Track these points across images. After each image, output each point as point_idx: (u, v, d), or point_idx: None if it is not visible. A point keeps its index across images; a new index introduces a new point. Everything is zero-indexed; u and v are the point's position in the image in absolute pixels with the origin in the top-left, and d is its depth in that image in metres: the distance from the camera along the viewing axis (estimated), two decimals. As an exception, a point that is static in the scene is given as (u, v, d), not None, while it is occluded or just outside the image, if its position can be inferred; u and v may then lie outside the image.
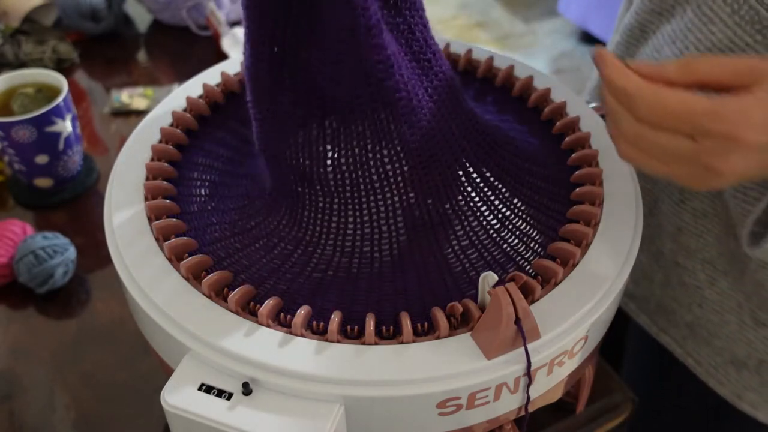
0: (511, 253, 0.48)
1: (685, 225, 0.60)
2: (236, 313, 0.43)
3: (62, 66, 0.98)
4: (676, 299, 0.65)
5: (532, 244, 0.48)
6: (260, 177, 0.53)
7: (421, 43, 0.50)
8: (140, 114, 0.90)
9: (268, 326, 0.42)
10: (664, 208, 0.61)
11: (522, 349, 0.40)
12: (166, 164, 0.52)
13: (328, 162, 0.49)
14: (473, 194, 0.52)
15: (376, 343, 0.41)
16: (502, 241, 0.49)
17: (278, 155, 0.49)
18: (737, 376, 0.63)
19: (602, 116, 0.56)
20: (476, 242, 0.49)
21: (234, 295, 0.42)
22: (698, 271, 0.62)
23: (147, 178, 0.51)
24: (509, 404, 0.43)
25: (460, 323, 0.43)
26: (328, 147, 0.49)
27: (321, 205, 0.49)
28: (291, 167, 0.49)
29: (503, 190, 0.53)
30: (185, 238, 0.47)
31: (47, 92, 0.75)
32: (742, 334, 0.61)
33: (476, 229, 0.50)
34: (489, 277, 0.41)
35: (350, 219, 0.49)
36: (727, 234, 0.58)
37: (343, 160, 0.48)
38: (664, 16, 0.57)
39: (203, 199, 0.51)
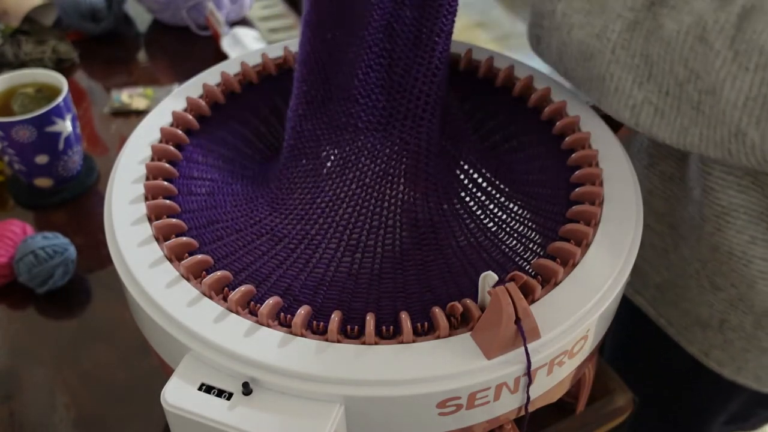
0: (511, 253, 0.48)
1: (655, 188, 0.64)
2: (236, 312, 0.43)
3: (62, 66, 0.98)
4: (647, 261, 0.68)
5: (532, 244, 0.48)
6: (264, 175, 0.53)
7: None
8: (140, 114, 0.90)
9: (269, 326, 0.42)
10: (637, 173, 0.64)
11: (522, 349, 0.40)
12: (166, 164, 0.52)
13: (332, 156, 0.50)
14: (474, 194, 0.52)
15: (376, 343, 0.41)
16: (502, 242, 0.49)
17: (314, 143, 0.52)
18: (703, 336, 0.66)
19: (602, 116, 0.56)
20: (477, 242, 0.49)
21: (234, 295, 0.42)
22: (666, 235, 0.65)
23: (147, 178, 0.51)
24: (509, 404, 0.43)
25: (460, 323, 0.43)
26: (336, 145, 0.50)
27: (330, 199, 0.50)
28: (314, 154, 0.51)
29: (504, 190, 0.53)
30: (185, 237, 0.47)
31: (47, 92, 0.75)
32: (702, 297, 0.64)
33: (477, 230, 0.50)
34: (489, 277, 0.41)
35: (354, 214, 0.49)
36: (687, 198, 0.61)
37: (349, 155, 0.49)
38: None
39: (204, 198, 0.52)
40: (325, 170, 0.51)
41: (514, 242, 0.49)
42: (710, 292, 0.62)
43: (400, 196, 0.49)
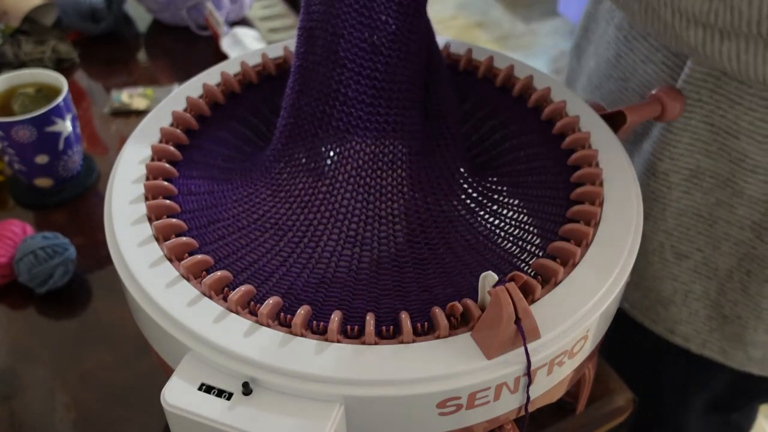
0: (511, 253, 0.48)
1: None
2: (236, 312, 0.43)
3: (62, 66, 0.98)
4: None
5: (532, 244, 0.48)
6: (266, 171, 0.53)
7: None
8: (140, 114, 0.90)
9: (269, 326, 0.42)
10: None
11: (522, 349, 0.40)
12: (166, 164, 0.52)
13: (332, 153, 0.50)
14: (474, 193, 0.52)
15: (376, 343, 0.41)
16: (502, 241, 0.49)
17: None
18: (666, 313, 0.67)
19: (602, 116, 0.56)
20: (476, 242, 0.49)
21: (234, 295, 0.42)
22: None
23: (147, 178, 0.51)
24: (509, 404, 0.43)
25: (460, 323, 0.43)
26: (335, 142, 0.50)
27: (328, 190, 0.50)
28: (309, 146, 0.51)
29: (504, 189, 0.53)
30: (185, 237, 0.47)
31: (47, 92, 0.75)
32: (665, 272, 0.65)
33: (476, 229, 0.50)
34: (489, 277, 0.41)
35: (352, 203, 0.49)
36: (654, 170, 0.63)
37: (348, 153, 0.50)
38: None
39: (204, 198, 0.51)
40: (323, 165, 0.51)
41: (514, 242, 0.49)
42: (674, 263, 0.65)
43: (397, 186, 0.50)
